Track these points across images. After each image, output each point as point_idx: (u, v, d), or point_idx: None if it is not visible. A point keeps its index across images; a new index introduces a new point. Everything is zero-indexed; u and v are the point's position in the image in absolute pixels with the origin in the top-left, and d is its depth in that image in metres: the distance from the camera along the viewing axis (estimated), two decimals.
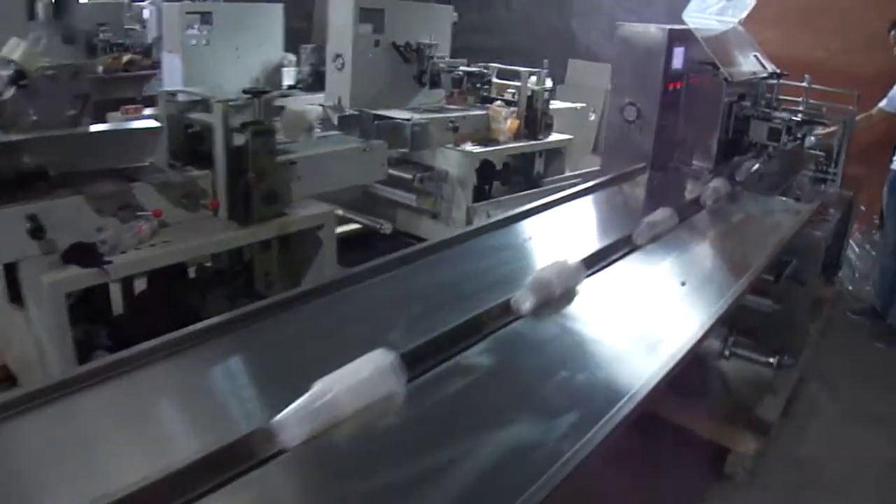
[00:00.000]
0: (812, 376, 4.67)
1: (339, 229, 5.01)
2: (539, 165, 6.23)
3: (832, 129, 4.91)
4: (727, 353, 4.23)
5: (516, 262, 2.76)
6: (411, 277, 2.54)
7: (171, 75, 6.43)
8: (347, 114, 5.52)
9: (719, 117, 4.64)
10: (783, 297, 4.02)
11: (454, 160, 5.67)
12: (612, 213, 3.96)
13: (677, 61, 4.54)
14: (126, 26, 7.59)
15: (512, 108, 5.99)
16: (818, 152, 5.10)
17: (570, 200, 3.79)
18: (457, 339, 2.04)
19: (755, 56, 5.11)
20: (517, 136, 5.89)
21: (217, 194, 3.72)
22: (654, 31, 4.48)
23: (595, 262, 2.76)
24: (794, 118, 4.67)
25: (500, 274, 2.56)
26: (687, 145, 4.76)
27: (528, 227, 3.21)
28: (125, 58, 7.25)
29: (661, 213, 3.34)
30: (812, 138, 5.13)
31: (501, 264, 2.70)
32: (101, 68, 7.04)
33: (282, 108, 5.17)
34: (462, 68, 6.06)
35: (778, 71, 5.10)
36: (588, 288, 2.52)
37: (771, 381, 4.00)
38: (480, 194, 5.99)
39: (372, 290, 2.39)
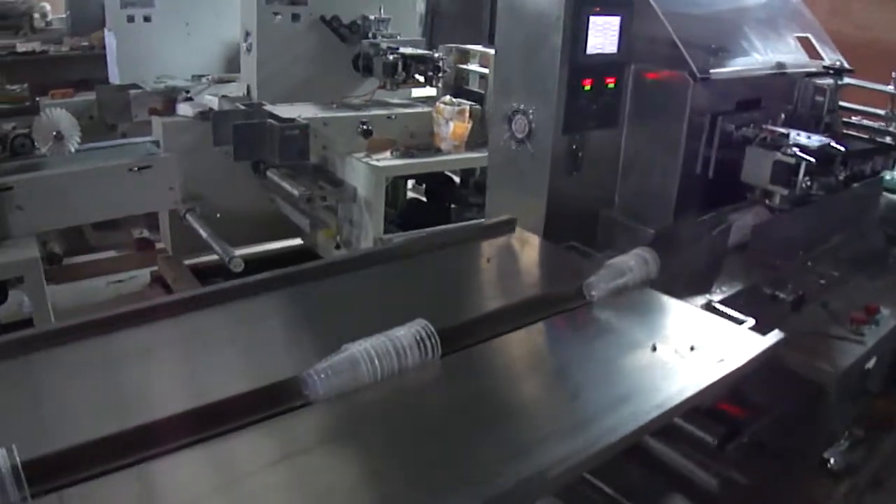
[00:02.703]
0: None
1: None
2: None
3: None
4: None
5: None
6: None
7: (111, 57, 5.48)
8: (206, 110, 3.96)
9: (681, 137, 2.53)
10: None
11: (361, 175, 3.90)
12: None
13: (599, 40, 2.50)
14: None
15: (465, 106, 4.06)
16: None
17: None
18: None
19: (802, 38, 3.06)
20: (471, 145, 3.87)
21: None
22: None
23: None
24: (831, 145, 2.47)
25: None
26: (627, 188, 2.68)
27: None
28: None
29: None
30: None
31: None
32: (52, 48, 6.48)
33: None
34: (403, 50, 4.22)
35: (839, 65, 2.94)
36: None
37: None
38: (435, 217, 4.40)
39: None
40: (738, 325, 1.97)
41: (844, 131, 3.17)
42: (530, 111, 2.62)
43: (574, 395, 1.67)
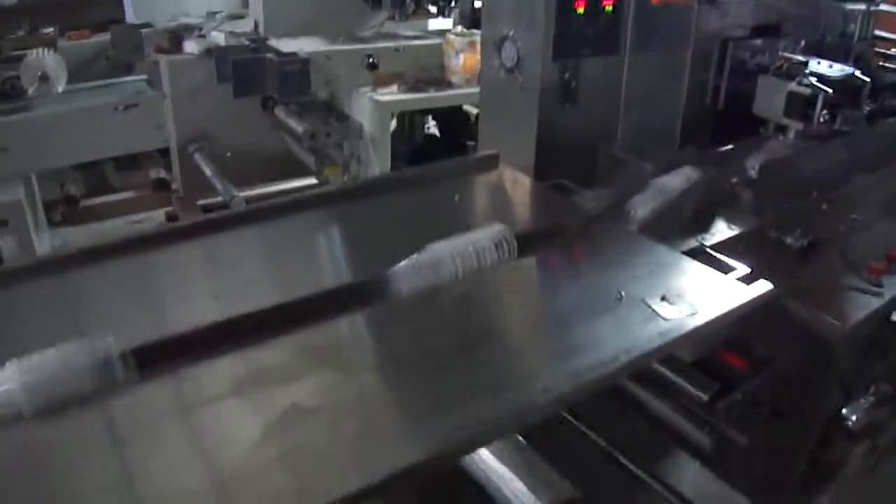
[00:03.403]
0: None
1: None
2: None
3: None
4: None
5: None
6: None
7: None
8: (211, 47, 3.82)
9: (685, 65, 2.30)
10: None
11: (366, 110, 3.72)
12: None
13: None
14: None
15: (476, 37, 3.84)
16: None
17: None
18: None
19: None
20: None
21: None
22: None
23: None
24: (856, 76, 2.23)
25: None
26: (629, 122, 2.47)
27: None
28: None
29: None
30: None
31: None
32: None
33: None
34: None
35: None
36: None
37: None
38: (449, 155, 4.17)
39: None
40: (723, 274, 1.74)
41: (880, 63, 2.89)
42: (518, 37, 2.40)
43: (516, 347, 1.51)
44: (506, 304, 1.71)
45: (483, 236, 1.72)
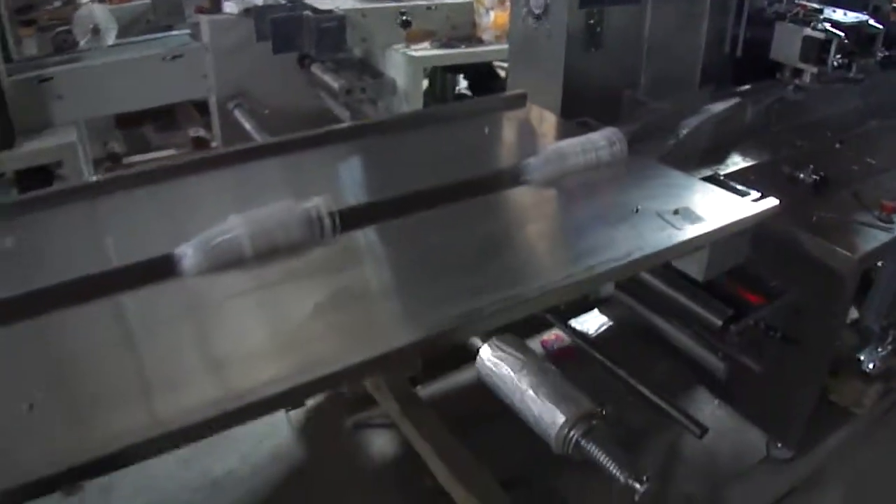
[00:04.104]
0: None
1: None
2: None
3: None
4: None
5: None
6: None
7: None
8: (261, 4, 3.95)
9: (704, 12, 2.43)
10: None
11: (399, 66, 3.87)
12: None
13: None
14: None
15: None
16: None
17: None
18: None
19: None
20: None
21: None
22: None
23: None
24: (869, 23, 2.33)
25: None
26: (651, 68, 2.59)
27: None
28: None
29: None
30: None
31: None
32: None
33: None
34: None
35: None
36: None
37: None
38: None
39: None
40: (733, 195, 1.87)
41: None
42: None
43: (550, 247, 1.72)
44: (531, 216, 1.86)
45: (599, 136, 2.03)
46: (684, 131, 2.12)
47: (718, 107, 2.22)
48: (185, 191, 1.96)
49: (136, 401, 1.20)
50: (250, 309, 1.46)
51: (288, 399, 1.26)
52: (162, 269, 1.53)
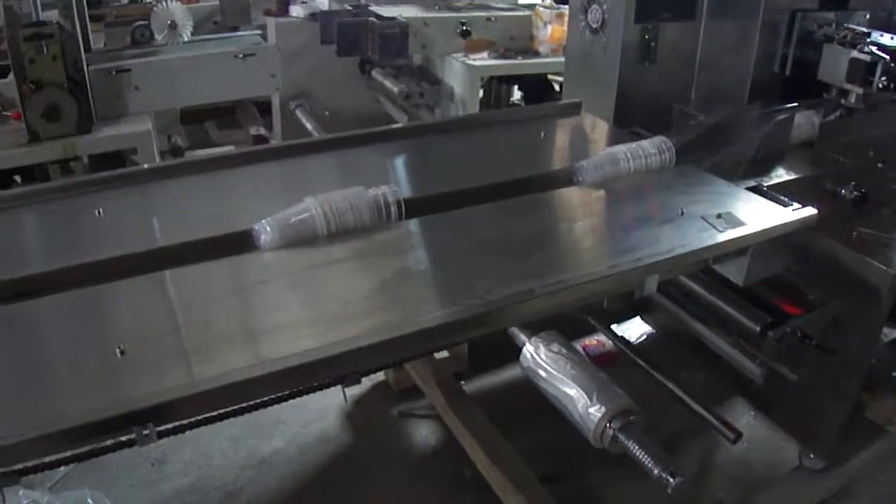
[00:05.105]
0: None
1: None
2: None
3: None
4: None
5: None
6: None
7: None
8: (327, 9, 4.14)
9: (755, 33, 2.52)
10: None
11: (458, 74, 4.02)
12: None
13: None
14: None
15: (563, 10, 4.07)
16: None
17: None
18: None
19: None
20: None
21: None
22: None
23: None
24: None
25: None
26: (702, 83, 2.69)
27: None
28: None
29: None
30: None
31: None
32: None
33: None
34: None
35: None
36: None
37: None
38: None
39: None
40: (774, 204, 1.97)
41: None
42: (604, 1, 2.64)
43: (598, 241, 1.84)
44: (581, 214, 1.98)
45: (649, 144, 2.16)
46: (731, 144, 2.21)
47: (765, 122, 2.29)
48: (252, 177, 2.12)
49: (233, 346, 1.35)
50: (322, 281, 1.59)
51: (344, 362, 1.36)
52: (241, 243, 1.67)
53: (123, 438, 1.25)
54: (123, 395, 1.19)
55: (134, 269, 1.54)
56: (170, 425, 1.35)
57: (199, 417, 1.49)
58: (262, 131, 5.59)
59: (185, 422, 1.44)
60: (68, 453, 1.39)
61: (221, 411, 1.47)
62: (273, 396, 1.56)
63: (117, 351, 1.29)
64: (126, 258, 1.58)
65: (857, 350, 2.31)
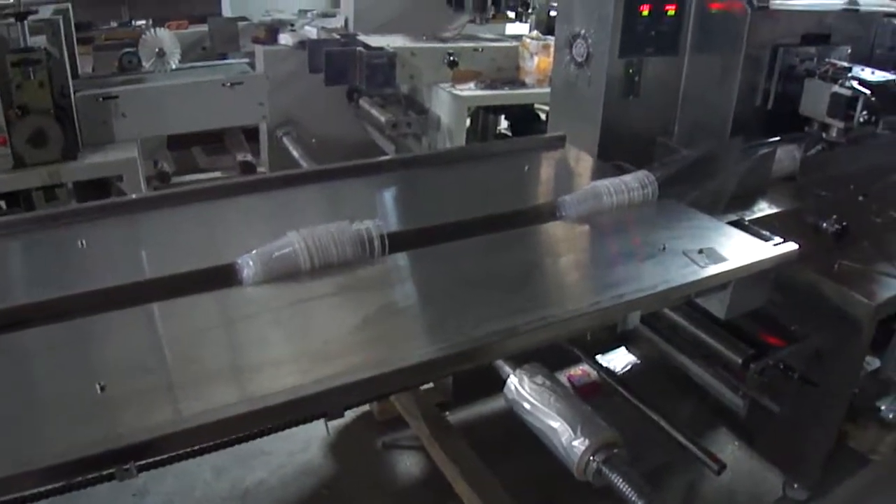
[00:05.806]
0: None
1: None
2: None
3: None
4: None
5: None
6: None
7: None
8: (315, 38, 4.17)
9: (738, 66, 2.56)
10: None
11: (445, 103, 4.04)
12: None
13: None
14: None
15: (550, 41, 4.11)
16: None
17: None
18: None
19: None
20: None
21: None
22: None
23: None
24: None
25: None
26: (685, 116, 2.72)
27: None
28: None
29: None
30: None
31: None
32: None
33: None
34: None
35: None
36: None
37: None
38: None
39: None
40: (756, 239, 1.99)
41: None
42: (589, 35, 2.67)
43: (581, 277, 1.85)
44: (564, 249, 2.00)
45: (632, 178, 2.18)
46: (713, 178, 2.23)
47: (747, 156, 2.32)
48: (238, 209, 2.12)
49: (216, 383, 1.35)
50: (305, 316, 1.59)
51: (327, 400, 1.36)
52: (224, 277, 1.67)
53: (104, 472, 1.24)
54: (104, 433, 1.17)
55: (115, 303, 1.54)
56: (151, 459, 1.34)
57: (180, 452, 1.48)
58: (250, 157, 5.59)
59: (166, 456, 1.43)
60: (48, 486, 1.38)
61: (204, 445, 1.46)
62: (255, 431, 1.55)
63: (97, 387, 1.28)
64: (109, 291, 1.57)
65: (839, 381, 2.32)
